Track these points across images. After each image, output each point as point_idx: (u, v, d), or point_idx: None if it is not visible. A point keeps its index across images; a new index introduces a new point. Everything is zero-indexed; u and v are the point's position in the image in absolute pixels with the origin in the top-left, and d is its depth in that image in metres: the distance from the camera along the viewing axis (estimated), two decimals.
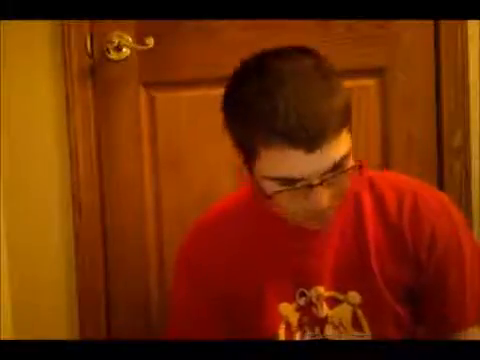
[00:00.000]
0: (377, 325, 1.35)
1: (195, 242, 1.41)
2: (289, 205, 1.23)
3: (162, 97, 1.96)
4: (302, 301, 1.35)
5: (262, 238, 1.36)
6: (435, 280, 1.34)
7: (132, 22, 1.89)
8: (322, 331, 1.35)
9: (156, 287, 1.98)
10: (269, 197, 1.21)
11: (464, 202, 1.97)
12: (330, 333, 1.34)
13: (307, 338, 1.35)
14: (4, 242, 1.95)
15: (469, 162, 2.01)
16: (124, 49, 1.90)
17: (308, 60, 1.20)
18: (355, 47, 1.93)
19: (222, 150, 1.95)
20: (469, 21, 1.94)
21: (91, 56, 1.92)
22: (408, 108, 1.97)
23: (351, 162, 1.21)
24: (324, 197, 1.19)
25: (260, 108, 1.17)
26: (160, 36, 1.91)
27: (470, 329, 1.34)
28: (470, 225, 1.93)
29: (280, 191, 1.20)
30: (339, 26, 1.90)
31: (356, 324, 1.35)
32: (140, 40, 1.90)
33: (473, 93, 1.99)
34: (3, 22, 1.85)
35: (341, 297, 1.35)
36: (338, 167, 1.19)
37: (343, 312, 1.35)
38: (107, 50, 1.90)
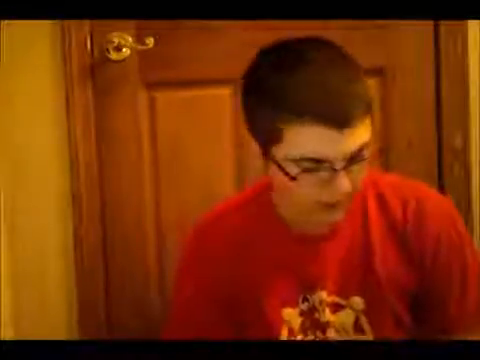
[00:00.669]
0: (380, 330, 1.34)
1: (199, 241, 1.40)
2: (310, 190, 1.21)
3: (162, 97, 1.96)
4: (305, 306, 1.34)
5: (265, 242, 1.35)
6: (438, 285, 1.34)
7: (132, 22, 1.89)
8: (324, 336, 1.35)
9: (156, 287, 1.98)
10: (293, 178, 1.20)
11: (464, 203, 1.97)
12: (332, 338, 1.34)
13: None
14: (4, 242, 1.95)
15: (469, 163, 2.01)
16: (124, 49, 1.90)
17: (331, 47, 1.23)
18: (355, 47, 1.92)
19: (222, 150, 1.96)
20: (469, 21, 1.94)
21: (91, 56, 1.92)
22: (408, 108, 1.97)
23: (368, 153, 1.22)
24: (347, 182, 1.19)
25: (291, 86, 1.17)
26: (160, 36, 1.90)
27: (470, 336, 1.33)
28: (470, 226, 1.93)
29: (308, 169, 1.19)
30: (339, 26, 1.90)
31: (359, 329, 1.34)
32: (140, 40, 1.90)
33: (473, 93, 1.99)
34: (3, 22, 1.85)
35: (344, 302, 1.34)
36: (360, 153, 1.20)
37: (346, 317, 1.34)
38: (107, 50, 1.90)
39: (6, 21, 1.83)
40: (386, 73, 1.97)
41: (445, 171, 2.01)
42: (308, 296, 1.34)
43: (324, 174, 1.20)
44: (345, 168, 1.19)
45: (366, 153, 1.21)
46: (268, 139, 1.22)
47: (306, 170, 1.19)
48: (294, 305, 1.35)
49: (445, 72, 1.98)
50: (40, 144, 1.96)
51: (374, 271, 1.32)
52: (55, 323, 1.97)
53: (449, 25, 1.94)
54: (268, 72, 1.21)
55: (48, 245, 1.97)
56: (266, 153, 1.24)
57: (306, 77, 1.18)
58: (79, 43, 1.91)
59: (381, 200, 1.34)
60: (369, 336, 1.34)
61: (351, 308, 1.34)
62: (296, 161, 1.19)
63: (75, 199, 1.95)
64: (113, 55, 1.90)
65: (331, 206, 1.24)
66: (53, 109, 1.95)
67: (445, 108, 2.00)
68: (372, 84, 1.96)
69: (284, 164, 1.21)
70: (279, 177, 1.23)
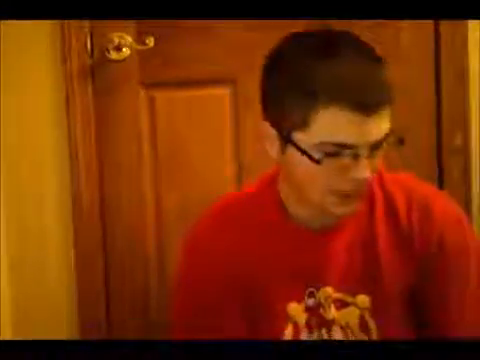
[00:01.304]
0: (384, 329, 1.34)
1: (206, 231, 1.39)
2: (331, 177, 1.22)
3: (162, 97, 1.96)
4: (311, 302, 1.34)
5: (271, 236, 1.34)
6: (439, 284, 1.33)
7: (132, 22, 1.89)
8: (329, 333, 1.34)
9: (156, 287, 1.98)
10: (318, 162, 1.20)
11: (464, 202, 1.97)
12: (337, 335, 1.34)
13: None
14: (4, 242, 1.95)
15: (469, 162, 2.01)
16: (124, 49, 1.90)
17: (358, 39, 1.25)
18: None
19: (222, 150, 1.96)
20: (469, 21, 1.94)
21: (91, 56, 1.92)
22: (408, 108, 1.97)
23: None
24: (368, 170, 1.20)
25: (322, 72, 1.19)
26: (160, 36, 1.91)
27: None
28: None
29: (331, 154, 1.20)
30: (339, 26, 1.89)
31: (364, 327, 1.34)
32: (140, 40, 1.90)
33: (473, 93, 1.99)
34: (3, 22, 1.85)
35: (349, 299, 1.34)
36: (383, 141, 1.21)
37: (351, 315, 1.34)
38: (107, 50, 1.90)
39: (6, 21, 1.84)
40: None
41: (445, 170, 2.01)
42: (314, 291, 1.34)
43: (347, 160, 1.20)
44: (368, 156, 1.20)
45: (384, 142, 1.22)
46: (293, 124, 1.21)
47: (329, 155, 1.20)
48: (300, 300, 1.34)
49: (445, 72, 1.98)
50: (40, 144, 1.96)
51: (380, 268, 1.32)
52: (55, 323, 1.97)
53: (449, 25, 1.94)
54: (299, 56, 1.22)
55: (48, 245, 1.97)
56: (287, 139, 1.23)
57: (336, 64, 1.19)
58: (79, 43, 1.91)
59: (388, 198, 1.34)
60: (374, 334, 1.34)
61: (356, 306, 1.34)
62: (320, 146, 1.20)
63: (75, 199, 1.96)
64: (113, 55, 1.90)
65: (346, 196, 1.24)
66: (53, 109, 1.95)
67: (445, 107, 2.00)
68: None
69: (308, 149, 1.21)
70: (298, 165, 1.23)
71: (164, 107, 1.96)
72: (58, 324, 1.97)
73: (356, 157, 1.20)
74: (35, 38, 1.92)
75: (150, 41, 1.89)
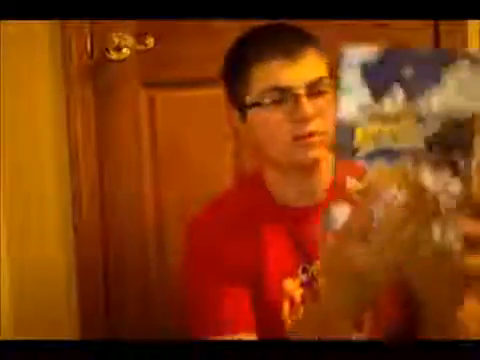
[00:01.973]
0: (376, 302, 1.36)
1: (199, 224, 1.49)
2: (283, 123, 1.37)
3: (162, 97, 1.96)
4: (304, 277, 1.39)
5: (261, 217, 1.43)
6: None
7: (132, 22, 1.89)
8: None
9: (156, 286, 1.98)
10: (267, 104, 1.38)
11: None
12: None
13: None
14: (4, 242, 1.95)
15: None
16: (124, 49, 1.90)
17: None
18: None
19: (222, 150, 1.96)
20: (469, 21, 1.94)
21: (91, 56, 1.92)
22: None
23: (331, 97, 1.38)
24: (309, 107, 1.35)
25: (255, 43, 1.42)
26: (160, 36, 1.91)
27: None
28: None
29: (276, 101, 1.37)
30: (339, 26, 1.90)
31: None
32: (140, 40, 1.90)
33: None
34: (3, 22, 1.85)
35: None
36: (319, 84, 1.38)
37: None
38: (107, 50, 1.90)
39: (6, 21, 1.84)
40: None
41: None
42: (307, 266, 1.40)
43: (291, 104, 1.36)
44: (307, 95, 1.35)
45: (326, 90, 1.38)
46: (241, 89, 1.41)
47: (275, 102, 1.37)
48: (295, 276, 1.40)
49: None
50: (40, 144, 1.96)
51: None
52: (55, 323, 1.98)
53: (449, 25, 1.94)
54: (240, 46, 1.45)
55: (48, 245, 1.97)
56: (242, 105, 1.41)
57: (264, 35, 1.41)
58: (79, 43, 1.91)
59: None
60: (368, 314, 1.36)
61: None
62: (264, 95, 1.37)
63: (75, 199, 1.96)
64: (113, 55, 1.90)
65: (306, 140, 1.36)
66: (53, 109, 1.95)
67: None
68: None
69: (259, 100, 1.39)
70: (257, 127, 1.40)
71: (164, 107, 1.96)
72: (58, 324, 1.98)
73: (297, 98, 1.35)
74: (35, 38, 1.92)
75: (150, 41, 1.89)
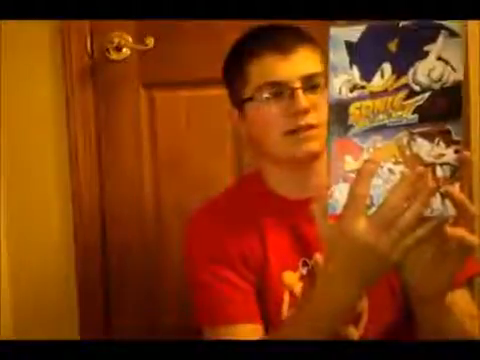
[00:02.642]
0: (374, 298, 1.36)
1: (206, 210, 1.50)
2: (279, 117, 1.39)
3: (162, 97, 1.96)
4: (305, 270, 1.39)
5: (261, 210, 1.44)
6: None
7: (132, 22, 1.90)
8: None
9: (157, 286, 1.98)
10: (264, 99, 1.40)
11: None
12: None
13: None
14: (4, 242, 1.95)
15: None
16: (124, 49, 1.91)
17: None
18: None
19: (222, 150, 1.96)
20: (469, 21, 1.94)
21: (91, 56, 1.92)
22: None
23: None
24: (305, 100, 1.37)
25: (250, 43, 1.44)
26: (160, 36, 1.91)
27: (459, 291, 1.34)
28: None
29: (272, 95, 1.39)
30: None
31: None
32: (140, 40, 1.90)
33: (473, 94, 1.99)
34: (3, 22, 1.85)
35: None
36: (314, 80, 1.40)
37: None
38: (107, 50, 1.90)
39: (6, 21, 1.84)
40: None
41: None
42: (307, 260, 1.40)
43: (286, 99, 1.38)
44: (302, 89, 1.38)
45: (321, 83, 1.40)
46: (239, 87, 1.43)
47: (271, 96, 1.39)
48: (295, 269, 1.40)
49: None
50: (40, 144, 1.96)
51: None
52: (55, 323, 1.98)
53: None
54: (237, 45, 1.48)
55: (48, 245, 1.98)
56: (240, 101, 1.43)
57: (262, 32, 1.44)
58: (79, 43, 1.91)
59: None
60: (364, 303, 1.37)
61: None
62: (261, 90, 1.40)
63: (75, 198, 1.96)
64: (113, 55, 1.91)
65: (300, 134, 1.38)
66: (53, 109, 1.95)
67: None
68: None
69: (254, 95, 1.41)
70: (255, 122, 1.41)
71: (164, 107, 1.96)
72: (58, 324, 1.98)
73: (293, 92, 1.37)
74: (35, 38, 1.92)
75: (150, 41, 1.89)
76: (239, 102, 1.44)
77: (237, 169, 1.96)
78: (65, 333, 1.97)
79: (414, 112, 1.05)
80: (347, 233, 1.03)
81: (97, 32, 1.91)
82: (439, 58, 1.07)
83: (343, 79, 1.04)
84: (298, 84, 1.38)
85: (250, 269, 1.41)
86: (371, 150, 1.05)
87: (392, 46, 1.05)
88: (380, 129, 1.05)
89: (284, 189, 1.44)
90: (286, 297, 1.39)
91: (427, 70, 1.05)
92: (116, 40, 1.89)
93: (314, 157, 1.40)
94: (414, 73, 1.05)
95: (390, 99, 1.05)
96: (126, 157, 1.97)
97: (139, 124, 1.96)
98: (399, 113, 1.05)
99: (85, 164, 1.95)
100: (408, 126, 1.04)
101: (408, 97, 1.05)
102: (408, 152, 1.04)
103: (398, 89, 1.05)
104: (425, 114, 1.05)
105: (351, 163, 1.05)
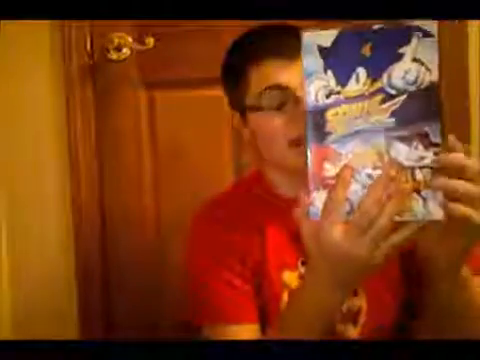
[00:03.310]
0: (372, 293, 1.36)
1: (208, 207, 1.50)
2: (282, 125, 1.35)
3: (162, 97, 1.96)
4: (304, 269, 1.39)
5: (261, 209, 1.43)
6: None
7: (132, 22, 1.90)
8: None
9: (157, 286, 1.98)
10: (265, 108, 1.36)
11: None
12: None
13: None
14: (4, 242, 1.96)
15: None
16: (124, 49, 1.91)
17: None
18: None
19: (222, 150, 1.96)
20: (469, 21, 1.94)
21: (91, 56, 1.92)
22: None
23: None
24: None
25: (251, 44, 1.41)
26: (160, 36, 1.91)
27: (477, 278, 1.35)
28: None
29: (275, 102, 1.36)
30: (339, 26, 1.89)
31: (353, 292, 1.37)
32: (140, 40, 1.90)
33: (473, 94, 1.99)
34: (3, 22, 1.85)
35: None
36: None
37: None
38: (107, 50, 1.90)
39: (6, 21, 1.84)
40: None
41: None
42: (306, 260, 1.39)
43: (291, 106, 1.34)
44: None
45: None
46: (240, 92, 1.40)
47: (274, 106, 1.35)
48: (294, 268, 1.40)
49: (444, 72, 1.98)
50: (40, 144, 1.96)
51: None
52: (55, 323, 1.98)
53: (449, 25, 1.94)
54: (236, 49, 1.44)
55: (48, 245, 1.98)
56: (243, 107, 1.40)
57: (262, 36, 1.40)
58: (79, 43, 1.91)
59: None
60: (362, 298, 1.37)
61: None
62: (264, 96, 1.36)
63: (75, 198, 1.96)
64: (113, 55, 1.91)
65: (304, 148, 1.34)
66: (53, 109, 1.95)
67: (444, 108, 1.99)
68: None
69: (257, 103, 1.37)
70: (258, 128, 1.38)
71: (164, 107, 1.96)
72: (58, 324, 1.98)
73: (297, 101, 1.33)
74: (35, 38, 1.92)
75: (150, 41, 1.89)
76: (240, 107, 1.43)
77: (237, 169, 1.96)
78: (65, 333, 1.97)
79: (391, 116, 1.05)
80: (325, 239, 1.06)
81: (97, 32, 1.92)
82: (414, 59, 1.06)
83: (319, 85, 1.05)
84: (303, 91, 1.37)
85: (249, 268, 1.41)
86: (350, 156, 1.05)
87: (366, 50, 1.05)
88: (358, 134, 1.05)
89: (284, 189, 1.44)
90: (285, 296, 1.39)
91: (402, 72, 1.06)
92: (116, 40, 1.89)
93: None
94: (389, 76, 1.05)
95: (366, 104, 1.05)
96: (126, 157, 1.97)
97: (139, 124, 1.96)
98: (376, 117, 1.05)
99: (85, 164, 1.95)
100: (386, 130, 1.05)
101: (384, 101, 1.05)
102: (387, 157, 1.04)
103: (374, 93, 1.05)
104: (402, 117, 1.05)
105: (330, 170, 1.06)
